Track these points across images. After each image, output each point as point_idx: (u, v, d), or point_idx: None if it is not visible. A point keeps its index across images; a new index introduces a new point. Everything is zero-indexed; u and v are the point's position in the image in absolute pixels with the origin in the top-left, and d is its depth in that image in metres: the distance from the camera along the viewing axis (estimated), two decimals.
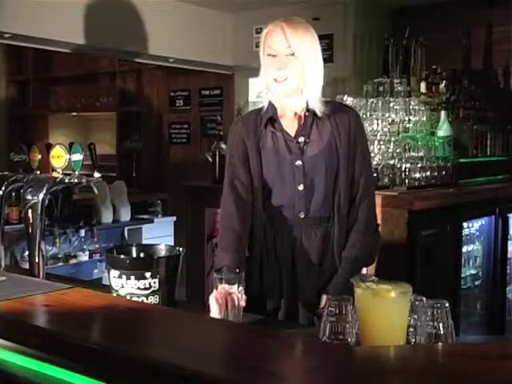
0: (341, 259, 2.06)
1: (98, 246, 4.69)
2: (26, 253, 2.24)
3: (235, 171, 2.10)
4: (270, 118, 2.08)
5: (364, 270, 2.30)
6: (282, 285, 2.08)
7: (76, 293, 1.76)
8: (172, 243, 4.82)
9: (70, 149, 2.07)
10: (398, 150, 3.45)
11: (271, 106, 2.09)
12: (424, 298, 1.47)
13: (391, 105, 3.57)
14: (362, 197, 2.07)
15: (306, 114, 2.06)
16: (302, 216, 2.05)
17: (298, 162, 2.03)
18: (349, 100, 3.53)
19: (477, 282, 3.82)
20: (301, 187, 2.03)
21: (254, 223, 2.08)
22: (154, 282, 1.81)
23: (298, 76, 2.02)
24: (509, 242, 3.88)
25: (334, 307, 1.46)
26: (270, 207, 2.08)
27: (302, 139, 2.04)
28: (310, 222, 2.05)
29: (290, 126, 2.08)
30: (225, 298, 1.77)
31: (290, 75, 2.01)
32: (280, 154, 2.05)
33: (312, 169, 2.03)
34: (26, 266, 2.08)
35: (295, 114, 2.08)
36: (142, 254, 2.00)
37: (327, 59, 4.93)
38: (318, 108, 2.04)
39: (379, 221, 3.03)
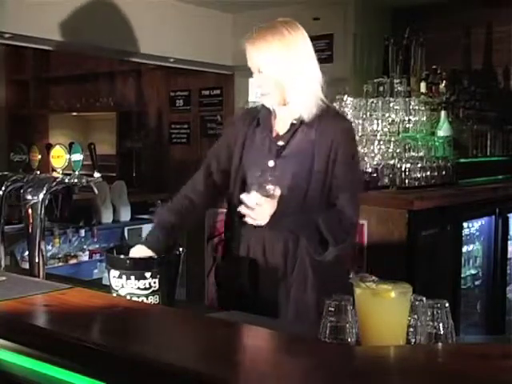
0: (312, 269, 2.01)
1: (98, 245, 4.69)
2: (26, 253, 2.24)
3: (218, 152, 2.20)
4: (261, 118, 2.12)
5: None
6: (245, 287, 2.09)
7: (76, 293, 1.76)
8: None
9: (70, 149, 2.07)
10: (398, 150, 3.45)
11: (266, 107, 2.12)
12: (424, 298, 1.47)
13: (391, 105, 3.57)
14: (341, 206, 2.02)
15: (294, 121, 2.07)
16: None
17: (271, 163, 2.06)
18: (349, 100, 3.53)
19: (477, 282, 3.82)
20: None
21: (232, 216, 2.13)
22: (154, 282, 1.81)
23: (277, 90, 2.03)
24: (509, 242, 3.88)
25: (333, 307, 1.46)
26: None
27: (281, 143, 2.07)
28: (276, 223, 2.02)
29: (280, 128, 2.11)
30: None
31: (268, 91, 2.04)
32: (260, 152, 2.10)
33: (282, 172, 2.03)
34: (26, 266, 2.08)
35: (286, 118, 2.09)
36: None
37: (327, 59, 4.94)
38: (307, 115, 2.04)
39: (379, 221, 3.06)
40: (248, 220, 1.96)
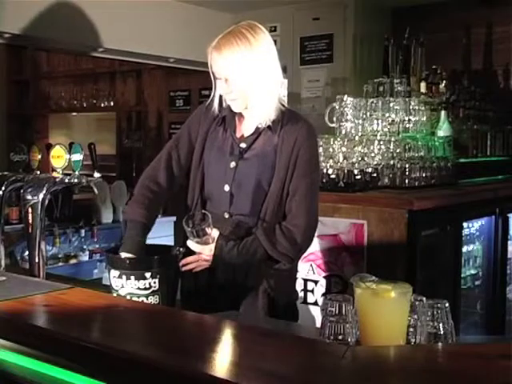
0: (266, 276, 2.06)
1: (98, 246, 4.69)
2: (26, 253, 2.24)
3: (179, 145, 2.20)
4: (226, 117, 2.13)
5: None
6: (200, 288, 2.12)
7: (76, 293, 1.75)
8: (172, 243, 4.81)
9: (70, 149, 2.07)
10: (397, 150, 3.45)
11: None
12: (424, 298, 1.47)
13: (391, 105, 3.57)
14: (294, 214, 2.04)
15: (259, 125, 2.08)
16: (227, 216, 2.08)
17: (232, 164, 2.07)
18: (349, 100, 3.53)
19: (477, 282, 3.82)
20: (226, 188, 2.07)
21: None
22: (154, 282, 1.81)
23: (244, 96, 2.04)
24: (509, 242, 3.88)
25: (333, 307, 1.46)
26: (203, 199, 2.14)
27: (244, 145, 2.08)
28: (233, 224, 2.06)
29: (245, 130, 2.12)
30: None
31: (236, 96, 2.04)
32: (221, 152, 2.11)
33: (242, 174, 2.05)
34: (26, 266, 2.08)
35: (251, 121, 2.11)
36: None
37: (327, 59, 4.95)
38: (268, 119, 2.05)
39: (379, 221, 3.06)
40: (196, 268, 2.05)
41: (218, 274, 2.09)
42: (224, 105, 2.13)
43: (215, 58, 2.03)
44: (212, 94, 2.12)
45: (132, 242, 2.03)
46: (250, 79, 2.01)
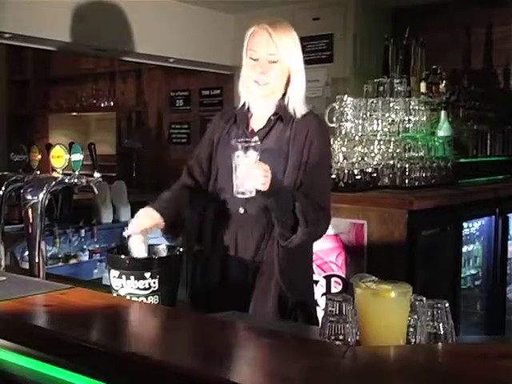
0: (282, 271, 2.03)
1: (98, 246, 4.69)
2: (26, 253, 2.24)
3: (199, 154, 2.26)
4: (238, 115, 2.18)
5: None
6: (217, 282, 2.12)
7: (76, 293, 1.75)
8: (172, 243, 4.81)
9: (70, 149, 2.07)
10: (397, 150, 3.45)
11: (244, 104, 2.17)
12: (424, 298, 1.47)
13: (391, 105, 3.57)
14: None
15: (272, 117, 2.11)
16: (242, 212, 2.08)
17: None
18: (349, 100, 3.53)
19: (477, 282, 3.82)
20: None
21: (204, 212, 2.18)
22: (154, 283, 1.81)
23: (279, 81, 2.09)
24: (509, 242, 3.88)
25: (333, 307, 1.46)
26: (217, 199, 2.14)
27: (256, 138, 2.03)
28: (249, 219, 2.07)
29: (255, 125, 2.15)
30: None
31: (271, 80, 2.08)
32: (234, 148, 2.07)
33: None
34: (26, 266, 2.08)
35: (263, 115, 2.14)
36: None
37: (327, 59, 4.95)
38: (300, 110, 2.10)
39: (379, 221, 3.06)
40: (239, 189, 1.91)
41: (231, 271, 2.10)
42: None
43: (263, 37, 2.05)
44: (241, 77, 2.16)
45: (159, 204, 2.12)
46: (293, 65, 2.08)
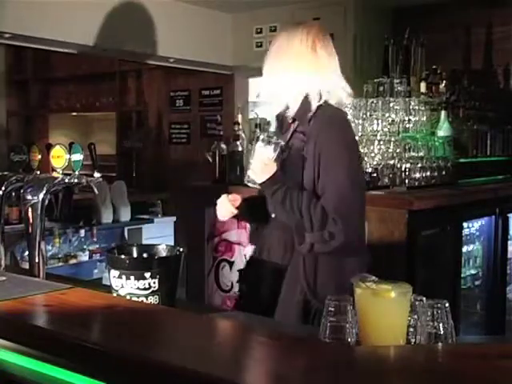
0: (307, 277, 2.05)
1: (98, 246, 4.69)
2: (26, 253, 2.23)
3: None
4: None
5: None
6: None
7: (76, 293, 1.75)
8: (172, 243, 4.82)
9: (70, 149, 2.07)
10: (397, 150, 3.45)
11: None
12: (424, 298, 1.47)
13: (391, 105, 3.57)
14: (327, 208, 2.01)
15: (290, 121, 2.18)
16: (273, 216, 2.15)
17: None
18: (349, 100, 3.52)
19: (477, 282, 3.82)
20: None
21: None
22: (154, 283, 1.81)
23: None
24: (509, 242, 3.88)
25: (333, 307, 1.46)
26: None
27: (275, 138, 2.10)
28: (278, 224, 2.13)
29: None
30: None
31: None
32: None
33: (282, 172, 2.08)
34: (26, 266, 2.08)
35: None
36: (142, 254, 2.00)
37: None
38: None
39: (379, 221, 3.06)
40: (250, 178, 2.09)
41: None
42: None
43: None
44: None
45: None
46: None
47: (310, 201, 1.98)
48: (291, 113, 2.13)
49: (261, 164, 2.04)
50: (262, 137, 2.04)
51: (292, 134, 2.14)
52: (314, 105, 2.09)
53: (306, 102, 2.09)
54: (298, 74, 2.08)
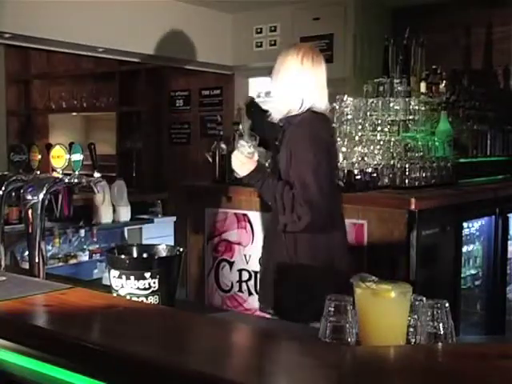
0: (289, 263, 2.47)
1: (98, 246, 4.69)
2: (26, 253, 2.23)
3: None
4: None
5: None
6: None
7: (76, 293, 1.75)
8: (172, 243, 4.81)
9: (70, 149, 2.07)
10: (398, 150, 3.45)
11: None
12: (424, 298, 1.47)
13: (391, 105, 3.57)
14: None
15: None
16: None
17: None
18: (349, 100, 3.53)
19: (477, 282, 3.82)
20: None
21: None
22: (154, 282, 1.81)
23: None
24: (509, 242, 3.88)
25: (333, 307, 1.46)
26: None
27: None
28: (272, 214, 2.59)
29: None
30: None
31: None
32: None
33: (274, 165, 2.58)
34: (26, 266, 2.08)
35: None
36: (142, 254, 2.00)
37: (327, 59, 4.93)
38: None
39: (379, 221, 3.06)
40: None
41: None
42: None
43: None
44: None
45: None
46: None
47: (283, 189, 2.38)
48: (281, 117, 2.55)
49: (240, 160, 2.44)
50: (243, 135, 2.44)
51: (282, 136, 2.52)
52: (298, 111, 2.47)
53: (293, 109, 2.49)
54: (287, 86, 2.49)
